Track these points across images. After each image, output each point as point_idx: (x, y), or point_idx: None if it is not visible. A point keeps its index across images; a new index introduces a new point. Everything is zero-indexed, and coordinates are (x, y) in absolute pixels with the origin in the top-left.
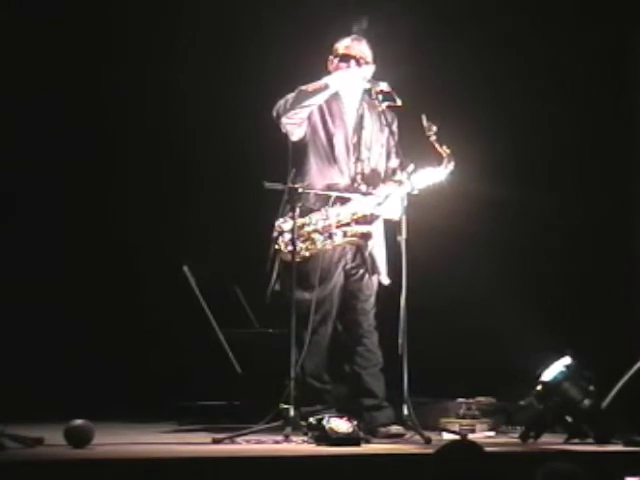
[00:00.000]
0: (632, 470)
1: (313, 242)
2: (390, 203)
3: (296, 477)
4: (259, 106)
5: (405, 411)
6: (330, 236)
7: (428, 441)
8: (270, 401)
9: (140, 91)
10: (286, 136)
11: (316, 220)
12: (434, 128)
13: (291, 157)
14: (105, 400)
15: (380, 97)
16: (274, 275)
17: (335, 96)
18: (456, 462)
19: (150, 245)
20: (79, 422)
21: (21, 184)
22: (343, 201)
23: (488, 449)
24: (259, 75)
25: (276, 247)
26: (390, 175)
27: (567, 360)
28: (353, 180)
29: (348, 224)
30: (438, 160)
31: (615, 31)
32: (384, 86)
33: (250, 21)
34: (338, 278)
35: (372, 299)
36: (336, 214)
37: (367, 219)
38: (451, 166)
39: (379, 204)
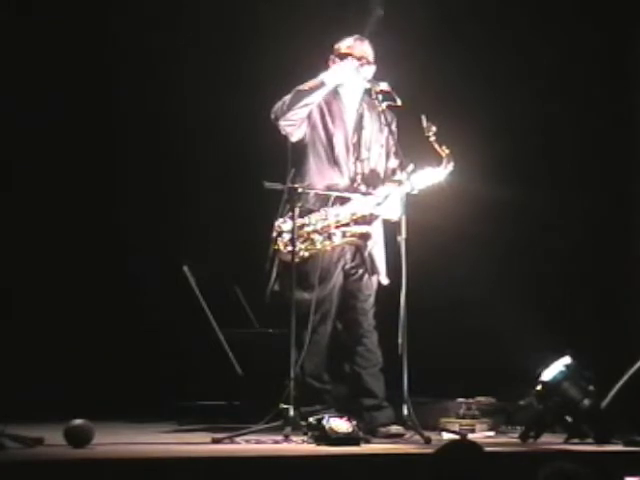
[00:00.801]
0: (632, 470)
1: (312, 242)
2: (389, 203)
3: (296, 477)
4: (259, 106)
5: (405, 411)
6: (329, 236)
7: (428, 441)
8: (270, 401)
9: (140, 91)
10: (285, 137)
11: (315, 220)
12: (433, 128)
13: (291, 157)
14: (105, 400)
15: (380, 97)
16: (273, 275)
17: (335, 96)
18: (456, 462)
19: (150, 245)
20: (79, 422)
21: (21, 184)
22: (342, 201)
23: (488, 449)
24: (259, 75)
25: (275, 247)
26: (390, 175)
27: (567, 360)
28: (353, 180)
29: (347, 224)
30: (438, 160)
31: (615, 31)
32: (384, 86)
33: (250, 21)
34: (337, 278)
35: (371, 299)
36: (335, 214)
37: (366, 219)
38: (450, 166)
39: (378, 204)
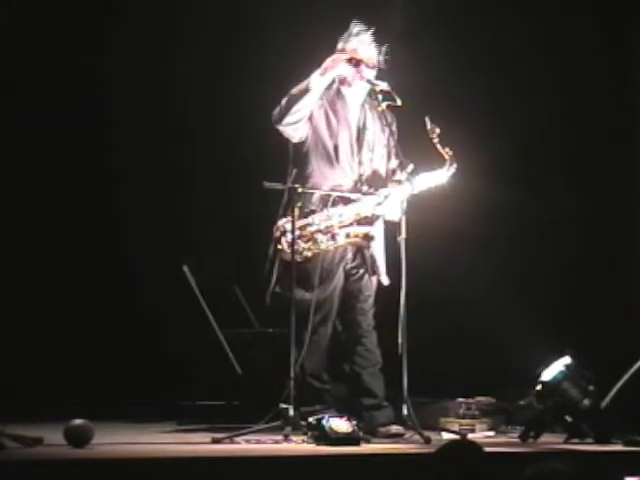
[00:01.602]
0: (632, 470)
1: (316, 242)
2: (391, 204)
3: (296, 477)
4: (260, 106)
5: (405, 411)
6: (333, 237)
7: (428, 441)
8: (270, 401)
9: (140, 91)
10: (287, 139)
11: (319, 220)
12: (437, 130)
13: (292, 159)
14: (105, 400)
15: (380, 97)
16: (274, 276)
17: (339, 96)
18: (456, 462)
19: (150, 245)
20: (79, 422)
21: (21, 184)
22: (345, 202)
23: (488, 449)
24: (261, 75)
25: (279, 247)
26: (390, 176)
27: (567, 360)
28: (356, 182)
29: (350, 225)
30: (440, 162)
31: (615, 31)
32: (384, 86)
33: (252, 21)
34: (339, 279)
35: (371, 299)
36: (338, 215)
37: (369, 220)
38: (453, 168)
39: (378, 204)
